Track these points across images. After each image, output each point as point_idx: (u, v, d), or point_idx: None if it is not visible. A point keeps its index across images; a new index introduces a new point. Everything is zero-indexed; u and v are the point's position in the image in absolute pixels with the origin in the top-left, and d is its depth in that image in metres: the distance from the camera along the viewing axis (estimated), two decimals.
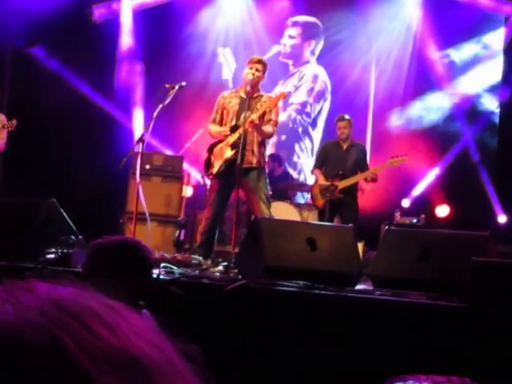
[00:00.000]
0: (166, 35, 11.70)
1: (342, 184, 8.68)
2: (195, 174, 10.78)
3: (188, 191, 10.00)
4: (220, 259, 9.06)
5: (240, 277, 5.14)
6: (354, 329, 4.18)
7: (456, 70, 11.76)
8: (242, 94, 6.92)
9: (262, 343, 4.25)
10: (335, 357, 4.14)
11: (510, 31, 11.48)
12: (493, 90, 11.66)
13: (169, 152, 11.10)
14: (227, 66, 12.47)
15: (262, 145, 6.97)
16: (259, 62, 7.00)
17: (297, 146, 12.47)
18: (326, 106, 12.53)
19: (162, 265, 4.89)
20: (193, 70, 11.74)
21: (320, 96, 12.56)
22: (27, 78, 10.71)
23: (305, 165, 12.36)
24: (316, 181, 9.05)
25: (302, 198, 11.44)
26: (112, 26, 11.82)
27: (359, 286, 5.17)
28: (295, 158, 12.45)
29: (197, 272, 5.36)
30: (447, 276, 4.80)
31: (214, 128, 7.03)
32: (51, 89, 10.73)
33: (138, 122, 11.67)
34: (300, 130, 12.52)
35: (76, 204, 9.67)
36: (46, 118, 10.80)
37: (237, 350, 4.26)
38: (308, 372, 4.13)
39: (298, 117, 12.52)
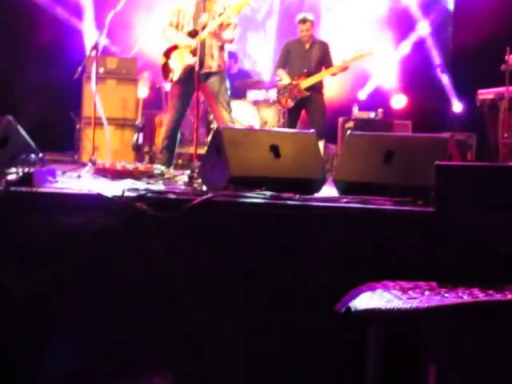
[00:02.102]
0: None
1: (307, 82, 8.68)
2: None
3: (144, 93, 9.85)
4: (180, 161, 9.09)
5: (204, 188, 5.16)
6: (319, 238, 4.22)
7: None
8: None
9: (228, 256, 4.28)
10: (300, 268, 4.19)
11: None
12: None
13: (119, 52, 10.87)
14: None
15: (222, 48, 6.86)
16: None
17: (250, 35, 12.26)
18: None
19: (126, 181, 4.86)
20: None
21: None
22: None
23: (260, 55, 12.21)
24: (279, 80, 8.99)
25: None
26: None
27: (324, 191, 5.22)
28: (249, 49, 12.25)
29: (162, 186, 5.34)
30: (411, 180, 4.84)
31: (174, 34, 6.86)
32: None
33: (87, 25, 11.34)
34: (259, 17, 12.26)
35: (30, 113, 9.46)
36: None
37: (205, 261, 4.30)
38: (276, 282, 4.20)
39: (255, 4, 12.21)
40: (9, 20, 10.64)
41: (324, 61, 8.90)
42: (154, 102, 10.35)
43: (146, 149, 9.47)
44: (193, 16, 6.77)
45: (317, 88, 8.77)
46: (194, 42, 6.59)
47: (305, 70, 8.73)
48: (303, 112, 8.97)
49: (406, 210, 4.29)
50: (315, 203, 4.38)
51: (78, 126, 9.83)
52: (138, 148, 9.17)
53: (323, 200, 4.51)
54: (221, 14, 6.65)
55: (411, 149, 5.06)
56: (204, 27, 6.53)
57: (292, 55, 8.94)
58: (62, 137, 10.38)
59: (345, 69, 8.80)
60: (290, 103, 8.70)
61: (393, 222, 4.22)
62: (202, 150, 8.24)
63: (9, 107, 9.60)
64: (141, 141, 9.27)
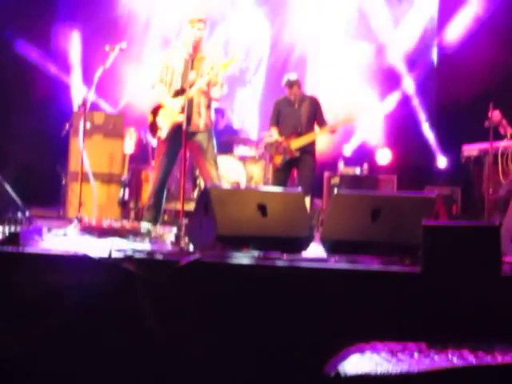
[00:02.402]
0: None
1: (297, 143, 8.64)
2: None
3: (130, 148, 9.87)
4: (166, 217, 9.06)
5: (191, 247, 5.15)
6: (308, 298, 4.21)
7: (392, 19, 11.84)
8: (186, 55, 6.78)
9: (215, 317, 4.26)
10: (290, 327, 4.17)
11: None
12: (431, 37, 11.77)
13: (106, 106, 10.94)
14: None
15: (209, 107, 6.89)
16: (200, 20, 6.82)
17: (239, 93, 12.37)
18: (267, 50, 12.40)
19: (113, 240, 4.84)
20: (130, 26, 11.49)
21: (262, 41, 12.43)
22: None
23: (247, 112, 12.32)
24: (271, 139, 9.00)
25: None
26: None
27: (311, 250, 5.23)
28: (236, 106, 12.36)
29: (148, 245, 5.34)
30: (398, 238, 4.87)
31: (161, 92, 6.90)
32: None
33: (76, 80, 11.43)
34: (247, 77, 12.41)
35: (15, 166, 9.47)
36: None
37: (191, 322, 4.27)
38: (264, 344, 4.17)
39: (244, 64, 12.34)
40: None
41: (315, 117, 8.87)
42: (141, 157, 10.36)
43: (131, 204, 9.45)
44: (181, 73, 6.82)
45: (308, 149, 8.73)
46: (178, 105, 6.63)
47: (298, 129, 8.71)
48: (293, 170, 8.92)
49: (394, 270, 4.29)
50: (303, 264, 4.39)
51: (63, 181, 9.83)
52: (123, 203, 9.16)
53: (311, 260, 4.52)
54: (208, 73, 6.70)
55: (398, 207, 5.09)
56: (192, 85, 6.57)
57: (282, 114, 8.92)
58: (47, 191, 10.36)
59: (333, 131, 8.80)
60: (282, 162, 8.69)
61: (381, 282, 4.21)
62: (188, 206, 8.28)
63: None
64: (127, 196, 9.27)
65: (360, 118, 9.07)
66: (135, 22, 11.72)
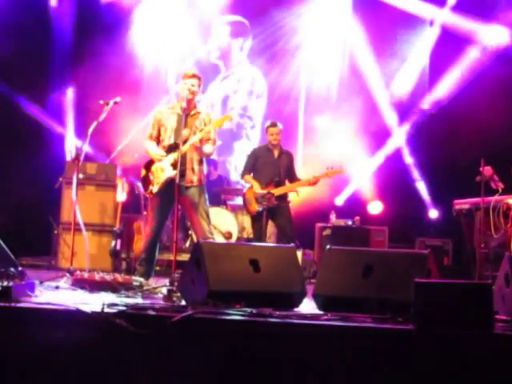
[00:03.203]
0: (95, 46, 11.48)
1: (279, 191, 8.78)
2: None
3: (122, 197, 9.88)
4: (158, 267, 9.04)
5: (183, 302, 5.14)
6: (299, 356, 4.21)
7: (386, 74, 11.99)
8: (179, 111, 6.84)
9: (209, 373, 4.25)
10: None
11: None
12: (423, 89, 11.91)
13: (98, 155, 11.00)
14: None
15: (202, 162, 6.93)
16: (194, 76, 6.89)
17: (236, 147, 12.48)
18: (263, 105, 12.57)
19: (105, 295, 4.82)
20: (125, 77, 11.59)
21: (259, 97, 12.60)
22: None
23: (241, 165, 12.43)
24: (250, 187, 9.05)
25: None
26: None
27: (303, 306, 5.23)
28: (234, 159, 12.45)
29: (141, 299, 5.34)
30: (390, 294, 4.87)
31: (152, 147, 6.94)
32: None
33: (70, 132, 11.52)
34: (243, 133, 12.54)
35: (6, 217, 9.47)
36: None
37: (183, 378, 4.26)
38: None
39: (241, 120, 12.53)
40: None
41: (289, 171, 9.07)
42: (133, 206, 10.37)
43: (123, 255, 9.43)
44: (174, 129, 6.86)
45: (283, 197, 8.90)
46: (169, 162, 6.66)
47: (276, 179, 8.85)
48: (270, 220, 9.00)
49: (387, 328, 4.29)
50: (296, 321, 4.38)
51: (55, 231, 9.81)
52: (115, 254, 9.12)
53: (304, 317, 4.51)
54: (201, 130, 6.75)
55: (390, 264, 5.11)
56: (185, 141, 6.62)
57: (260, 162, 9.03)
58: (39, 240, 10.36)
59: (314, 183, 8.91)
60: (259, 209, 8.77)
61: (374, 340, 4.21)
62: (180, 257, 8.27)
63: None
64: (118, 247, 9.25)
65: (346, 170, 9.12)
66: (131, 74, 11.85)
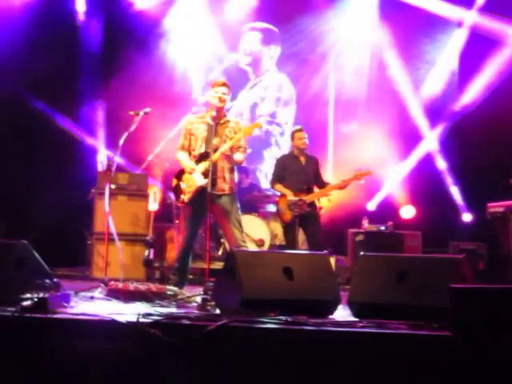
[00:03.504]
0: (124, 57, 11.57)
1: (310, 198, 8.74)
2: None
3: (154, 206, 9.93)
4: (191, 276, 9.05)
5: (218, 311, 5.14)
6: (334, 365, 4.18)
7: (415, 76, 11.94)
8: (209, 120, 6.87)
9: (246, 382, 4.24)
10: None
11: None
12: (453, 92, 11.83)
13: (129, 165, 11.07)
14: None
15: (232, 171, 6.95)
16: (224, 84, 6.91)
17: (266, 154, 12.49)
18: (292, 112, 12.57)
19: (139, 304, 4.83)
20: (155, 87, 11.64)
21: (287, 104, 12.60)
22: None
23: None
24: (282, 195, 9.00)
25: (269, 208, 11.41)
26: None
27: (338, 313, 5.20)
28: (264, 167, 12.46)
29: (175, 309, 5.35)
30: (424, 300, 4.83)
31: (184, 158, 6.97)
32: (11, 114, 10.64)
33: (100, 143, 11.63)
34: (273, 140, 12.56)
35: (41, 229, 9.55)
36: (6, 143, 10.68)
37: None
38: None
39: (270, 128, 12.54)
40: (23, 135, 10.89)
41: (316, 176, 9.02)
42: (165, 216, 10.43)
43: (156, 264, 9.47)
44: (204, 138, 6.89)
45: (314, 204, 8.85)
46: (206, 165, 6.67)
47: (305, 187, 8.79)
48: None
49: (423, 335, 4.25)
50: (331, 328, 4.36)
51: (89, 242, 9.88)
52: (148, 264, 9.17)
53: (339, 324, 4.49)
54: (232, 138, 6.77)
55: (424, 269, 5.07)
56: (216, 150, 6.64)
57: (289, 171, 8.99)
58: (73, 251, 10.44)
59: (343, 187, 8.85)
60: (292, 217, 8.72)
61: (410, 347, 4.18)
62: (213, 266, 8.28)
63: (22, 223, 9.89)
64: (152, 256, 9.29)
65: (373, 172, 9.05)
66: (161, 83, 11.89)
